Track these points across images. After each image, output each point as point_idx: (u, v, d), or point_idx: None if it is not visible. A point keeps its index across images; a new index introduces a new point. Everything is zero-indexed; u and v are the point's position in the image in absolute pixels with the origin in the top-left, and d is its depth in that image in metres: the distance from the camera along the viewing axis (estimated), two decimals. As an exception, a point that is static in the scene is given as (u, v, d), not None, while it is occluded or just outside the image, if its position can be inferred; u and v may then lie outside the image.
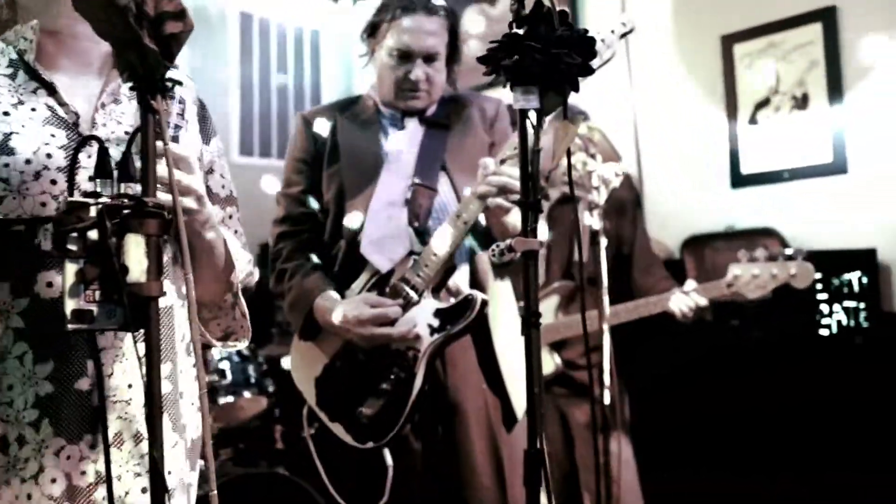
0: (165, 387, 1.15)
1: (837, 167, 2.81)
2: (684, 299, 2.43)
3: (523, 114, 1.30)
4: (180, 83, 0.94)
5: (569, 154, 1.31)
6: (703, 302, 2.41)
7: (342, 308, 1.79)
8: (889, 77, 2.69)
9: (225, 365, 2.76)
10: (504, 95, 1.79)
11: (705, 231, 3.12)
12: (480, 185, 1.72)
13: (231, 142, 4.61)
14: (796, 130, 2.92)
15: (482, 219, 1.81)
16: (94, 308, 0.93)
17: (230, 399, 2.72)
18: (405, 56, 1.92)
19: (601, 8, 3.57)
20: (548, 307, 2.70)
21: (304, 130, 2.02)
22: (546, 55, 1.23)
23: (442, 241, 1.76)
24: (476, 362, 1.88)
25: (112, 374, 1.10)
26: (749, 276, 2.31)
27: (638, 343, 2.67)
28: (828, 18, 2.81)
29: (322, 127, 2.00)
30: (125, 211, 0.92)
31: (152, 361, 0.91)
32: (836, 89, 2.81)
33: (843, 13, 2.79)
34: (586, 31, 1.23)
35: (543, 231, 2.87)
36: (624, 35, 1.97)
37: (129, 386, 1.11)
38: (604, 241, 2.34)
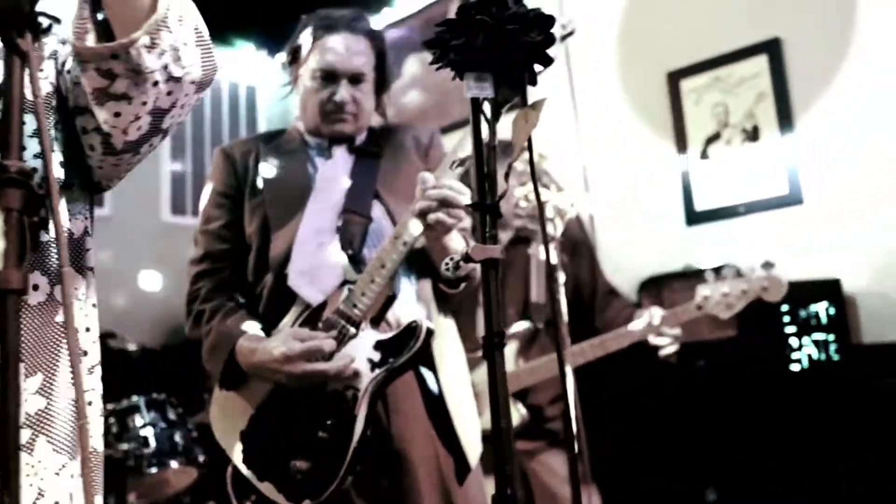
0: (37, 402, 0.93)
1: (793, 198, 2.73)
2: (656, 336, 2.28)
3: (476, 104, 1.14)
4: (58, 20, 0.75)
5: (530, 144, 1.14)
6: (676, 332, 2.27)
7: (267, 345, 1.56)
8: (838, 105, 2.65)
9: (148, 432, 2.46)
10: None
11: (662, 272, 2.99)
12: (419, 202, 1.54)
13: (162, 201, 4.37)
14: (749, 163, 2.85)
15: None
16: (-66, 307, 0.72)
17: (154, 470, 2.42)
18: (329, 77, 1.76)
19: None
20: (506, 354, 2.51)
21: (223, 163, 1.83)
22: (500, 32, 1.09)
23: (379, 267, 1.57)
24: (422, 406, 1.66)
25: None
26: (719, 295, 2.18)
27: (603, 388, 2.49)
28: (773, 50, 2.78)
29: (243, 158, 1.82)
30: (-22, 181, 0.72)
31: (7, 375, 0.69)
32: (786, 120, 2.76)
33: (788, 44, 2.77)
34: (540, 10, 1.09)
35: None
36: (565, 37, 1.86)
37: None
38: (561, 277, 2.17)
